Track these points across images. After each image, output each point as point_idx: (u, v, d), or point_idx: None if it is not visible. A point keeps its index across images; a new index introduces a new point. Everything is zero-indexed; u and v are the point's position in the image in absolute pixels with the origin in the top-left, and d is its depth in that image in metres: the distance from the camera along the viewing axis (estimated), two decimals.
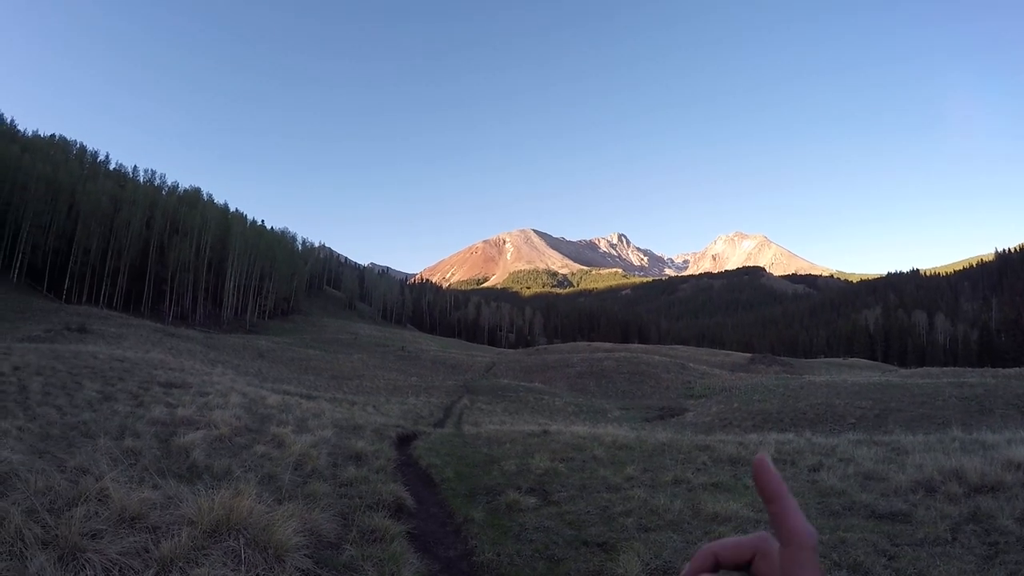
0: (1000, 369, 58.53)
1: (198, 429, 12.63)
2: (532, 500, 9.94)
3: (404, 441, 18.58)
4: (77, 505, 5.86)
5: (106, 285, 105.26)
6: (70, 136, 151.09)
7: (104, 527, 5.57)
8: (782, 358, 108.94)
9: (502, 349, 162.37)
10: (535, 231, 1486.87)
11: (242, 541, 5.81)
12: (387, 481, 10.29)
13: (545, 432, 19.27)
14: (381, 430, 18.96)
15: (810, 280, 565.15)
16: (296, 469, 10.24)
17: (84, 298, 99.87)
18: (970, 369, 72.22)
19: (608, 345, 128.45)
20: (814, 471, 11.95)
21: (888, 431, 26.80)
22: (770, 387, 51.43)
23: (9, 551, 4.83)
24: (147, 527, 5.81)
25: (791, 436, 18.38)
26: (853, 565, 6.55)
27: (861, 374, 69.77)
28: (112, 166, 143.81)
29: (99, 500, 6.22)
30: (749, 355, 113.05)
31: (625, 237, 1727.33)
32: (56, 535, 5.12)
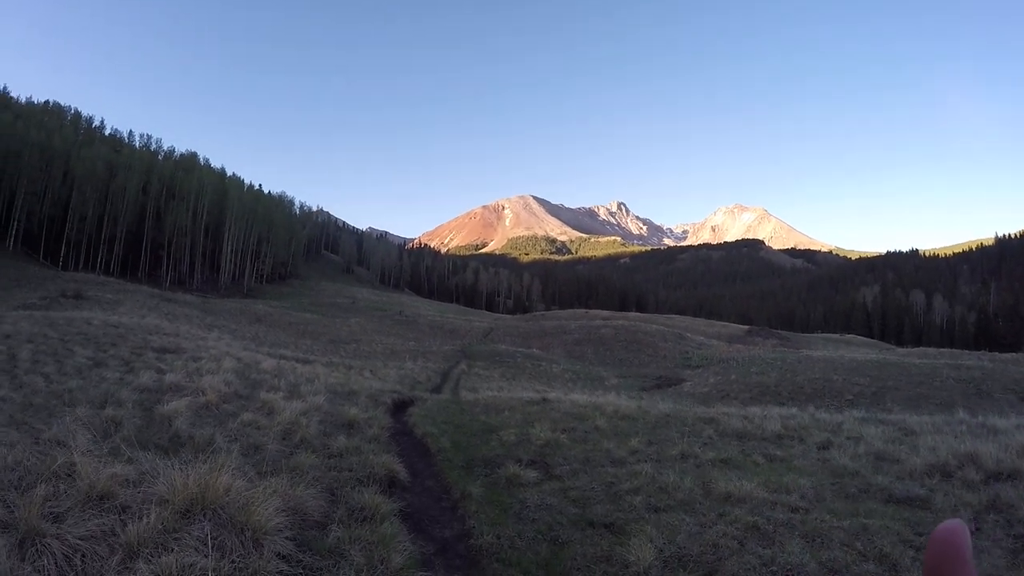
0: (997, 353, 58.66)
1: (185, 396, 12.15)
2: (533, 474, 9.43)
3: (400, 407, 18.16)
4: (38, 484, 5.41)
5: (103, 251, 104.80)
6: (64, 102, 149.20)
7: (70, 506, 5.17)
8: (779, 331, 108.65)
9: (500, 315, 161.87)
10: (534, 197, 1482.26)
11: (217, 522, 5.34)
12: (380, 452, 9.77)
13: (544, 400, 18.90)
14: (376, 396, 18.55)
15: (809, 255, 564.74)
16: (284, 439, 9.79)
17: (81, 265, 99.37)
18: (967, 352, 72.32)
19: (606, 313, 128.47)
20: (823, 449, 11.64)
21: (887, 409, 26.58)
22: (768, 360, 51.33)
23: None
24: (116, 507, 5.37)
25: (794, 411, 18.08)
26: (879, 556, 6.12)
27: (858, 351, 69.82)
28: (107, 131, 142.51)
29: (68, 476, 5.82)
30: (746, 327, 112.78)
31: (624, 205, 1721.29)
32: (17, 517, 4.74)
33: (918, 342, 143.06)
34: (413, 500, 8.23)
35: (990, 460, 9.24)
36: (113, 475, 5.83)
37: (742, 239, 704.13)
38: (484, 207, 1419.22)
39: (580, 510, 7.90)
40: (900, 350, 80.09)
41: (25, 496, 5.07)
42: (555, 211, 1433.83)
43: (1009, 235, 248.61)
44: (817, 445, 11.94)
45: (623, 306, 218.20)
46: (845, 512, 7.54)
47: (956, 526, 0.59)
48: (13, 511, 4.86)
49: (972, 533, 6.67)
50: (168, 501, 5.47)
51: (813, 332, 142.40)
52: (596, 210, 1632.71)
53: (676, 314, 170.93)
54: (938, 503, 7.87)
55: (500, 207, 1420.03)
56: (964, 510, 7.55)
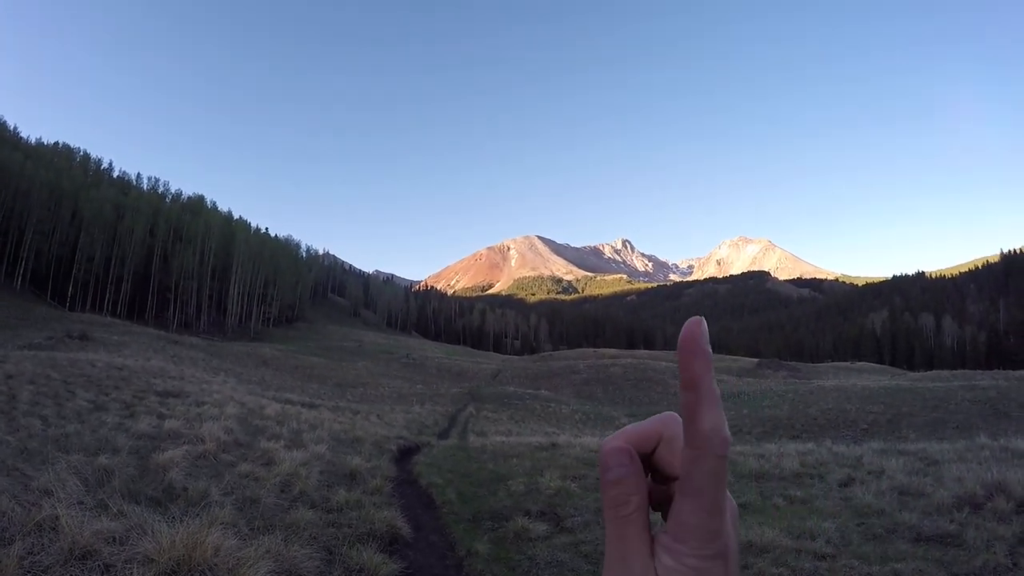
0: (1010, 371, 57.92)
1: (183, 444, 11.83)
2: (542, 527, 9.00)
3: (406, 454, 17.86)
4: (19, 538, 5.15)
5: (110, 292, 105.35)
6: (73, 144, 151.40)
7: (50, 564, 4.94)
8: (789, 363, 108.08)
9: (508, 356, 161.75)
10: (539, 237, 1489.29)
11: None
12: (382, 506, 9.39)
13: (554, 445, 18.54)
14: (381, 443, 18.24)
15: (815, 284, 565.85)
16: (282, 491, 9.46)
17: (88, 305, 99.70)
18: (980, 372, 71.80)
19: (614, 351, 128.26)
20: (845, 486, 11.37)
21: (904, 436, 26.16)
22: (779, 392, 50.89)
23: None
24: (99, 566, 5.14)
25: (811, 445, 17.76)
26: None
27: (870, 378, 69.25)
28: (115, 174, 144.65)
29: (52, 530, 5.58)
30: (756, 360, 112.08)
31: (629, 243, 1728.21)
32: None
33: (930, 365, 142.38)
34: (416, 558, 7.82)
35: (1019, 487, 8.99)
36: (98, 531, 5.62)
37: (748, 271, 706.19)
38: (489, 248, 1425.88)
39: (593, 567, 7.50)
40: (912, 375, 79.57)
41: (4, 550, 4.88)
42: (560, 250, 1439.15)
43: (1015, 251, 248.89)
44: (838, 482, 11.68)
45: (631, 344, 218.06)
46: (874, 556, 7.21)
47: (696, 320, 0.55)
48: None
49: (1009, 568, 6.62)
50: (153, 561, 5.26)
51: (823, 361, 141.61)
52: (601, 248, 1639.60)
53: None
54: (969, 538, 7.52)
55: (505, 248, 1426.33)
56: (998, 545, 7.18)
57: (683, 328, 0.56)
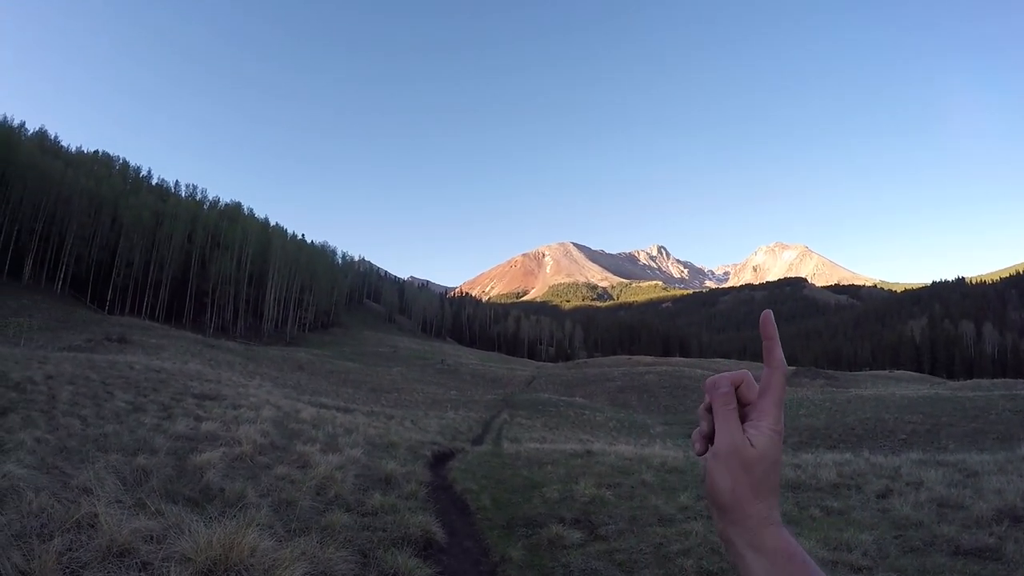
0: None
1: (220, 446, 11.93)
2: (577, 535, 8.90)
3: (440, 460, 17.82)
4: (58, 534, 5.21)
5: (148, 297, 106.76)
6: (113, 152, 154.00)
7: (88, 560, 4.99)
8: (826, 371, 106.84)
9: (542, 363, 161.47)
10: (574, 244, 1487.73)
11: None
12: (417, 511, 9.32)
13: (588, 452, 18.44)
14: (416, 448, 18.24)
15: (853, 290, 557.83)
16: (318, 494, 9.45)
17: (127, 309, 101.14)
18: (1021, 381, 70.64)
19: (649, 359, 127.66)
20: (883, 497, 11.13)
21: (943, 447, 25.69)
22: (816, 401, 50.29)
23: None
24: (136, 563, 5.17)
25: (848, 456, 17.44)
26: None
27: (909, 387, 68.20)
28: (154, 181, 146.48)
29: (91, 527, 5.65)
30: (793, 368, 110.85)
31: (665, 249, 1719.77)
32: (34, 567, 4.59)
33: (970, 374, 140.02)
34: (450, 563, 7.77)
35: None
36: (136, 529, 5.67)
37: (784, 278, 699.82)
38: (524, 255, 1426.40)
39: (627, 575, 7.42)
40: (952, 383, 78.23)
41: (44, 546, 4.91)
42: (595, 257, 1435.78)
43: None
44: (876, 493, 11.47)
45: (666, 351, 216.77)
46: (911, 569, 7.04)
47: (768, 311, 0.99)
48: (31, 560, 4.71)
49: None
50: (191, 560, 5.27)
51: (861, 370, 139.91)
52: (636, 255, 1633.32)
53: (720, 357, 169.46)
54: (1009, 552, 7.33)
55: (540, 255, 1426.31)
56: None
57: (762, 315, 0.99)
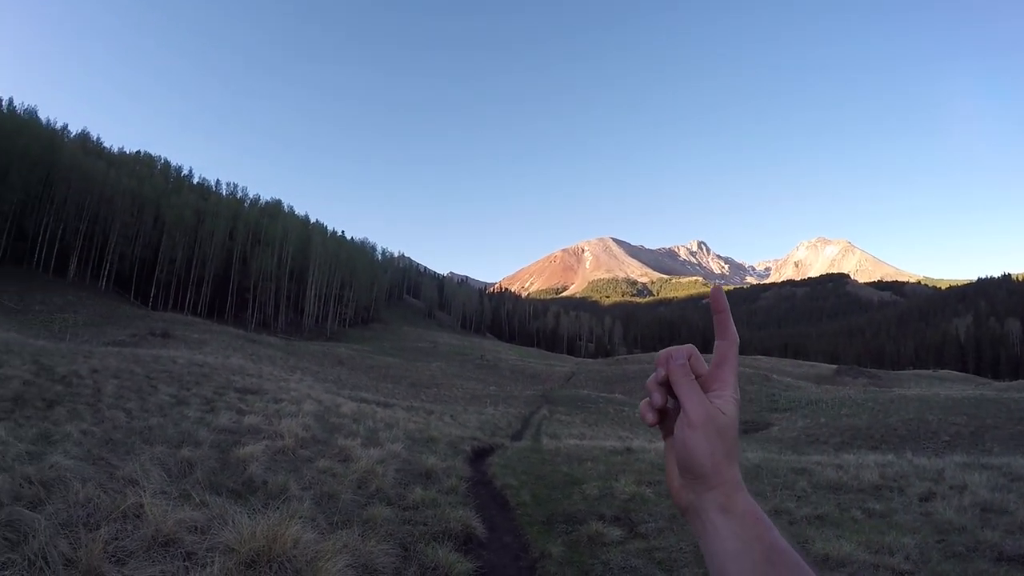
0: None
1: (262, 439, 12.01)
2: (616, 532, 8.84)
3: (479, 455, 17.81)
4: (104, 524, 5.29)
5: (191, 293, 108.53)
6: (154, 152, 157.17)
7: (134, 549, 5.07)
8: (869, 370, 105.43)
9: (581, 359, 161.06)
10: (614, 239, 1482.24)
11: None
12: (457, 505, 9.36)
13: (628, 449, 18.34)
14: (456, 443, 18.25)
15: (896, 287, 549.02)
16: (359, 488, 9.49)
17: (170, 305, 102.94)
18: None
19: None
20: (925, 500, 10.96)
21: (987, 450, 25.17)
22: (858, 401, 49.53)
23: (30, 568, 4.45)
24: (181, 553, 5.23)
25: (891, 457, 17.21)
26: None
27: (953, 387, 66.77)
28: (195, 180, 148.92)
29: (136, 517, 5.72)
30: (835, 366, 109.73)
31: (705, 244, 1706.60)
32: (80, 555, 4.66)
33: (1016, 374, 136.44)
34: (490, 558, 7.75)
35: None
36: (180, 520, 5.74)
37: (826, 274, 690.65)
38: (564, 250, 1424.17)
39: (667, 574, 7.34)
40: (997, 384, 76.34)
41: (91, 535, 4.98)
42: (635, 252, 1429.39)
43: None
44: (918, 496, 11.30)
45: (706, 348, 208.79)
46: (954, 575, 6.91)
47: (717, 287, 1.04)
48: (77, 549, 4.78)
49: None
50: (234, 551, 5.33)
51: (904, 369, 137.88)
52: (676, 250, 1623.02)
53: (761, 355, 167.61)
54: None
55: (580, 250, 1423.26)
56: None
57: (712, 290, 1.04)
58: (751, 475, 13.95)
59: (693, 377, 0.97)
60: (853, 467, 14.46)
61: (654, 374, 1.01)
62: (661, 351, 1.02)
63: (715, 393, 0.96)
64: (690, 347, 1.02)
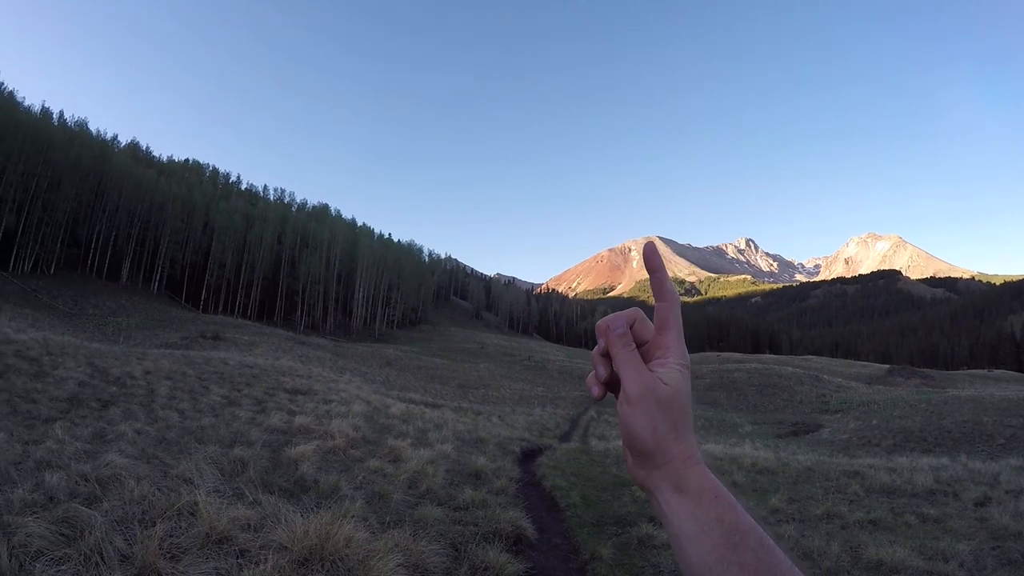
0: None
1: (313, 439, 12.13)
2: (666, 535, 8.68)
3: (528, 456, 17.74)
4: (159, 521, 5.35)
5: (240, 296, 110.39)
6: (203, 160, 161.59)
7: (188, 546, 5.14)
8: (922, 370, 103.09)
9: None
10: (661, 238, 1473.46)
11: (335, 575, 5.10)
12: (507, 506, 9.32)
13: None
14: (504, 444, 18.20)
15: (950, 283, 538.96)
16: (409, 488, 9.51)
17: (220, 308, 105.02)
18: None
19: (738, 356, 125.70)
20: (980, 505, 10.76)
21: None
22: (911, 402, 48.53)
23: (85, 564, 4.52)
24: (234, 551, 5.29)
25: (944, 460, 16.89)
26: None
27: (1009, 388, 65.29)
28: (243, 186, 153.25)
29: (190, 515, 5.82)
30: (887, 366, 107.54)
31: (753, 242, 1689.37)
32: (136, 551, 4.75)
33: None
34: (540, 560, 7.68)
35: None
36: (234, 518, 5.81)
37: (877, 270, 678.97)
38: (610, 250, 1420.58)
39: None
40: None
41: (146, 532, 5.08)
42: (682, 251, 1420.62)
43: None
44: (973, 501, 11.12)
45: (756, 348, 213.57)
46: None
47: (651, 244, 0.95)
48: (132, 545, 4.87)
49: None
50: (287, 549, 5.38)
51: (958, 368, 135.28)
52: (724, 248, 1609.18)
53: (811, 354, 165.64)
54: None
55: (627, 249, 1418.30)
56: None
57: (644, 249, 0.96)
58: (802, 478, 13.77)
59: (633, 347, 0.91)
60: (906, 470, 14.24)
61: (597, 345, 0.95)
62: (601, 320, 0.96)
63: (658, 361, 0.90)
64: (633, 311, 0.96)
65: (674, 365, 0.88)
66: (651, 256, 0.93)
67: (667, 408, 0.86)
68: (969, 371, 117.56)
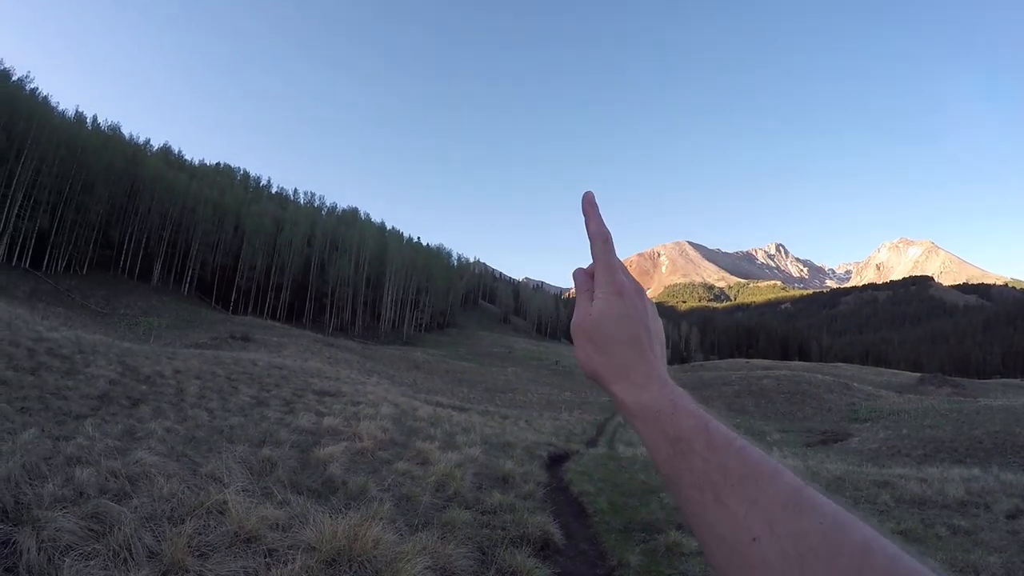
0: None
1: (341, 440, 12.16)
2: (694, 542, 8.42)
3: (555, 461, 17.66)
4: (188, 519, 5.39)
5: (270, 298, 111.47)
6: (234, 164, 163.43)
7: (217, 544, 5.15)
8: (953, 379, 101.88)
9: None
10: (690, 243, 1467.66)
11: None
12: (534, 511, 9.21)
13: None
14: (532, 448, 18.14)
15: (983, 290, 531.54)
16: (437, 491, 9.47)
17: (250, 310, 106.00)
18: None
19: (767, 362, 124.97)
20: (1012, 518, 10.66)
21: None
22: (942, 411, 47.98)
23: (114, 559, 4.53)
24: (263, 550, 5.28)
25: (976, 471, 16.65)
26: None
27: None
28: (274, 190, 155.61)
29: (219, 513, 5.84)
30: (918, 375, 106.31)
31: (783, 247, 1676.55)
32: (164, 548, 4.77)
33: None
34: (567, 565, 7.61)
35: None
36: (263, 517, 5.81)
37: (909, 277, 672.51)
38: (639, 255, 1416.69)
39: None
40: None
41: (175, 529, 5.11)
42: (712, 256, 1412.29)
43: None
44: (1005, 514, 10.98)
45: (785, 354, 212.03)
46: None
47: (588, 192, 0.99)
48: (161, 542, 4.89)
49: None
50: (315, 549, 5.38)
51: (991, 377, 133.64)
52: (754, 253, 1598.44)
53: (841, 362, 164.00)
54: None
55: (656, 254, 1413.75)
56: None
57: (583, 197, 0.98)
58: (832, 487, 13.61)
59: (585, 289, 0.96)
60: (937, 481, 14.07)
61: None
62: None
63: (594, 295, 0.94)
64: (594, 263, 0.97)
65: (600, 295, 0.92)
66: (585, 202, 0.98)
67: (594, 337, 0.90)
68: (1002, 380, 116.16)
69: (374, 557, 5.36)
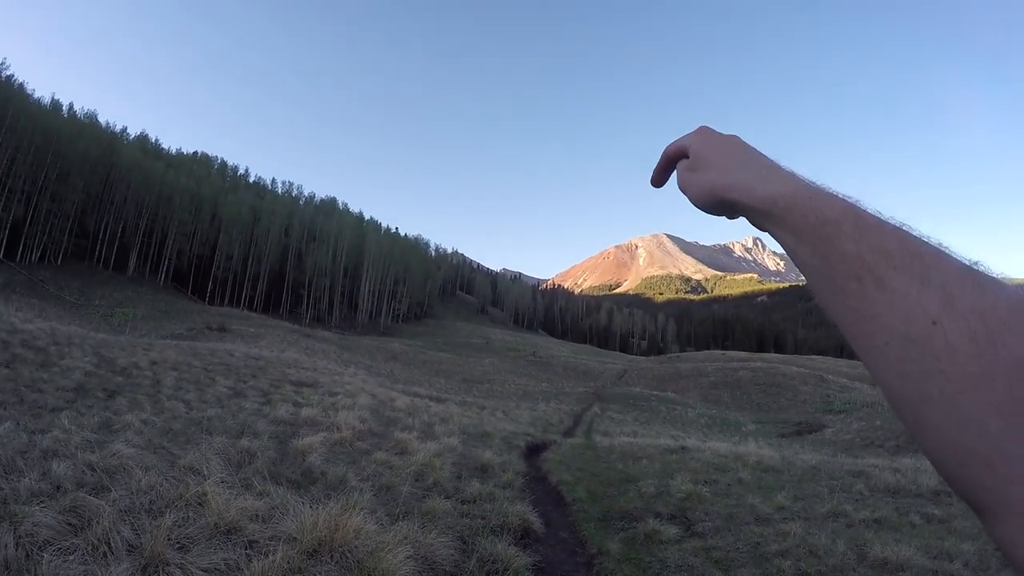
0: None
1: (320, 431, 12.14)
2: (673, 530, 8.66)
3: (533, 451, 17.72)
4: (167, 511, 5.37)
5: (247, 288, 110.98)
6: (211, 153, 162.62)
7: (197, 536, 5.11)
8: None
9: (634, 356, 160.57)
10: (668, 235, 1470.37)
11: (344, 566, 5.14)
12: (514, 500, 9.28)
13: (683, 448, 18.14)
14: (510, 439, 18.21)
15: None
16: (417, 480, 9.49)
17: (226, 300, 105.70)
18: None
19: (743, 354, 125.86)
20: None
21: None
22: None
23: (93, 554, 4.49)
24: (243, 541, 5.27)
25: None
26: None
27: None
28: (251, 179, 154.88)
29: (199, 505, 5.80)
30: None
31: (760, 241, 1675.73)
32: (144, 541, 4.72)
33: None
34: (547, 553, 7.66)
35: None
36: (242, 508, 5.79)
37: None
38: (617, 247, 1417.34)
39: (724, 573, 7.22)
40: None
41: (154, 522, 5.05)
42: (689, 249, 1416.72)
43: None
44: None
45: (761, 347, 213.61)
46: None
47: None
48: (140, 535, 4.85)
49: None
50: (296, 540, 5.35)
51: None
52: (731, 246, 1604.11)
53: (817, 355, 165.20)
54: None
55: (633, 246, 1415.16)
56: None
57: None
58: (808, 476, 13.76)
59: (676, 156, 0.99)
60: (911, 471, 14.15)
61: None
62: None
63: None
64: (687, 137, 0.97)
65: (687, 139, 0.95)
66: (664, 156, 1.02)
67: (697, 164, 0.89)
68: None
69: (355, 547, 5.37)
